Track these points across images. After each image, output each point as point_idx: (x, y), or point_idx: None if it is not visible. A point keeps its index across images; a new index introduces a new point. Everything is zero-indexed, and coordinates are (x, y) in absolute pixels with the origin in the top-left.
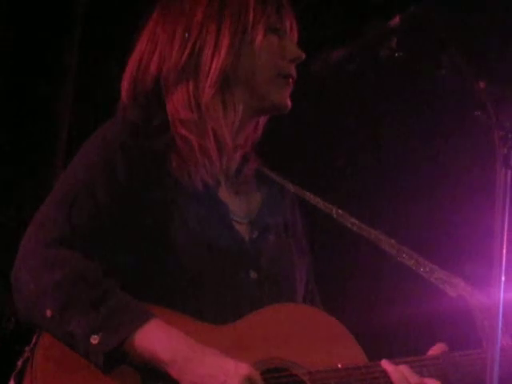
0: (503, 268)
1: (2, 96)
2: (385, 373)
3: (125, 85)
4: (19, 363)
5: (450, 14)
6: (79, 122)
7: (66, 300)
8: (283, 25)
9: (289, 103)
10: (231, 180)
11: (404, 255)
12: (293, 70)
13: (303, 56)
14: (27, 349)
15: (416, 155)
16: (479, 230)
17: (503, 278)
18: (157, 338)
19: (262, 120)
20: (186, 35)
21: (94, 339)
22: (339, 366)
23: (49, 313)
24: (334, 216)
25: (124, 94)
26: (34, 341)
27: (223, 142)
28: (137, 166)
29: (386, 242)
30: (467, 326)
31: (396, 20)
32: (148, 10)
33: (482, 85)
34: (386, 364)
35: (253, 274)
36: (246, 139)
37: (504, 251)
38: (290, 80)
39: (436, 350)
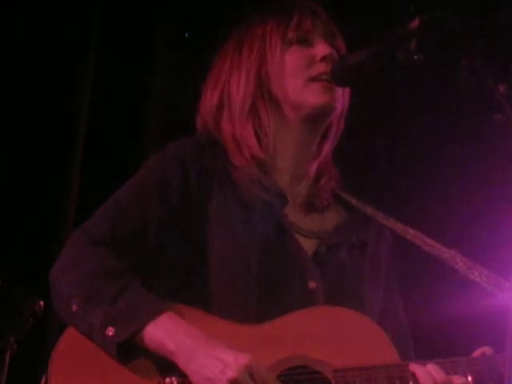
0: None
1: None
2: (412, 373)
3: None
4: None
5: (470, 17)
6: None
7: (88, 294)
8: (307, 35)
9: (330, 102)
10: (303, 197)
11: (453, 258)
12: (322, 68)
13: (328, 51)
14: None
15: (432, 159)
16: (497, 235)
17: None
18: (165, 329)
19: (327, 144)
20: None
21: (110, 331)
22: (366, 364)
23: (74, 307)
24: (409, 237)
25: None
26: None
27: (268, 163)
28: (193, 180)
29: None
30: None
31: (415, 23)
32: None
33: (501, 88)
34: (413, 364)
35: (311, 284)
36: (310, 161)
37: None
38: (324, 78)
39: (479, 352)
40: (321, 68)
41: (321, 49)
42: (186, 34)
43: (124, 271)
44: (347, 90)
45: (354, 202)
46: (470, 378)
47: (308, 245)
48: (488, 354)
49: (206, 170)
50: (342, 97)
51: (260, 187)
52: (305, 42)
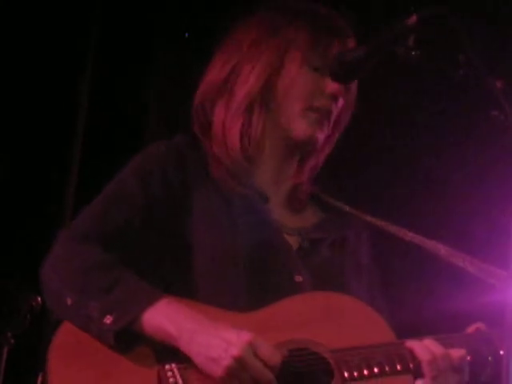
0: None
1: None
2: (410, 349)
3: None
4: None
5: (468, 14)
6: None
7: (82, 287)
8: (329, 63)
9: (314, 137)
10: (283, 198)
11: (441, 250)
12: (326, 103)
13: (339, 91)
14: None
15: (429, 157)
16: (495, 231)
17: None
18: (165, 314)
19: (309, 163)
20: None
21: (108, 319)
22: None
23: (69, 301)
24: (391, 231)
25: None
26: None
27: (241, 163)
28: (175, 176)
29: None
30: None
31: (413, 19)
32: None
33: (499, 84)
34: (410, 341)
35: (297, 278)
36: (290, 178)
37: None
38: (321, 114)
39: (473, 328)
40: (325, 102)
41: (332, 86)
42: (186, 34)
43: (115, 263)
44: (341, 122)
45: (331, 201)
46: (466, 353)
47: (291, 241)
48: (482, 329)
49: (188, 170)
50: (333, 127)
51: (241, 184)
52: (323, 71)
